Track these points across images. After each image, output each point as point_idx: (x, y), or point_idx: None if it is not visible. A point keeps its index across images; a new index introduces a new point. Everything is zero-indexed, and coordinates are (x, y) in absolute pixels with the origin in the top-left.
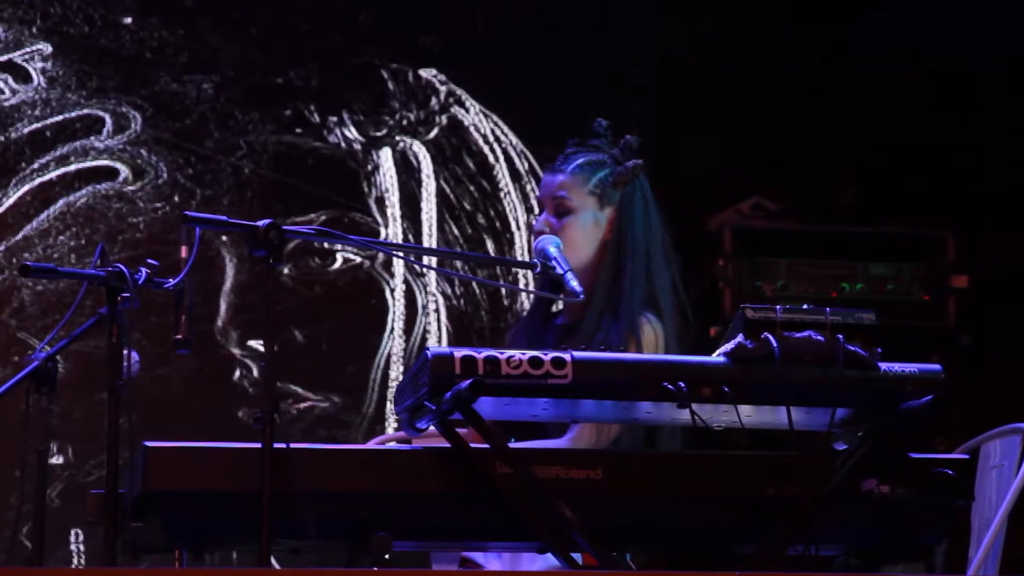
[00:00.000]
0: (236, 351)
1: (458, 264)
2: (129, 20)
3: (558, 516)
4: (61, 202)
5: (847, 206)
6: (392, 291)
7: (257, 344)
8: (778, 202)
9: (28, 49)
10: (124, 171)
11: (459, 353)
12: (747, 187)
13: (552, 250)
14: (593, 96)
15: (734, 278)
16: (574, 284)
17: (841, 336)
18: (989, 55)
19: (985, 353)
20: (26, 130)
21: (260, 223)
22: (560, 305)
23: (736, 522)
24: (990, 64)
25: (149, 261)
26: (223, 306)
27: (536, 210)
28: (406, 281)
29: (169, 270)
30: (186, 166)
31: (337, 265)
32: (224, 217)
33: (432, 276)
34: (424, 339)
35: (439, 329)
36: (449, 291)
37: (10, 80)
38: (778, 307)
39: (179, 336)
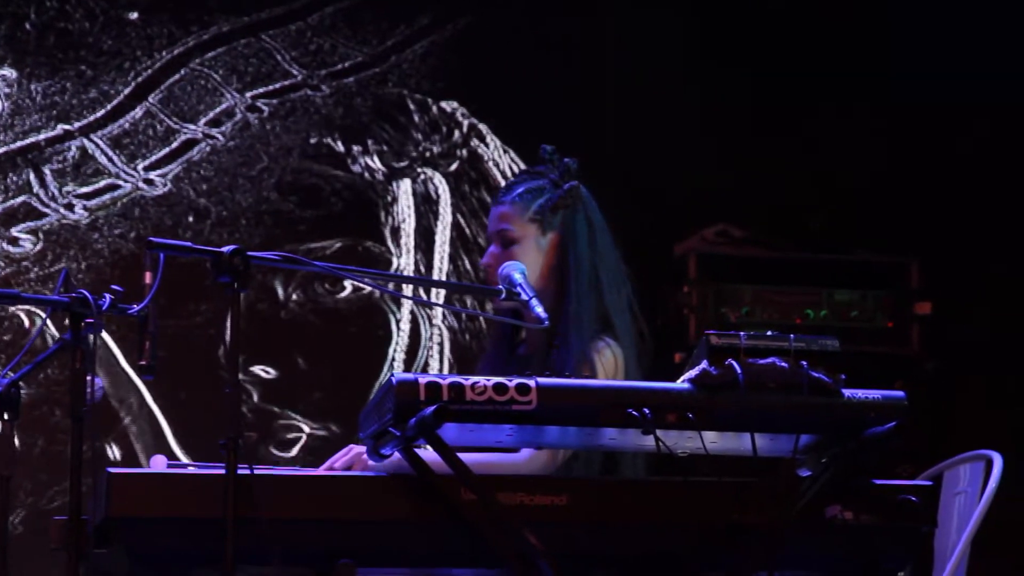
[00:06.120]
0: (240, 376)
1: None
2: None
3: (523, 543)
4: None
5: (814, 233)
6: (398, 322)
7: (258, 370)
8: (745, 229)
9: None
10: (126, 193)
11: (423, 379)
12: (714, 214)
13: (517, 276)
14: (564, 123)
15: (699, 304)
16: (539, 310)
17: (805, 363)
18: (951, 90)
19: (948, 380)
20: None
21: (224, 249)
22: (524, 333)
23: (700, 549)
24: (953, 99)
25: (114, 287)
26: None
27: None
28: (412, 313)
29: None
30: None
31: (345, 293)
32: (188, 243)
33: (439, 309)
34: (426, 372)
35: (441, 362)
36: (455, 324)
37: None
38: (742, 334)
39: (143, 362)
